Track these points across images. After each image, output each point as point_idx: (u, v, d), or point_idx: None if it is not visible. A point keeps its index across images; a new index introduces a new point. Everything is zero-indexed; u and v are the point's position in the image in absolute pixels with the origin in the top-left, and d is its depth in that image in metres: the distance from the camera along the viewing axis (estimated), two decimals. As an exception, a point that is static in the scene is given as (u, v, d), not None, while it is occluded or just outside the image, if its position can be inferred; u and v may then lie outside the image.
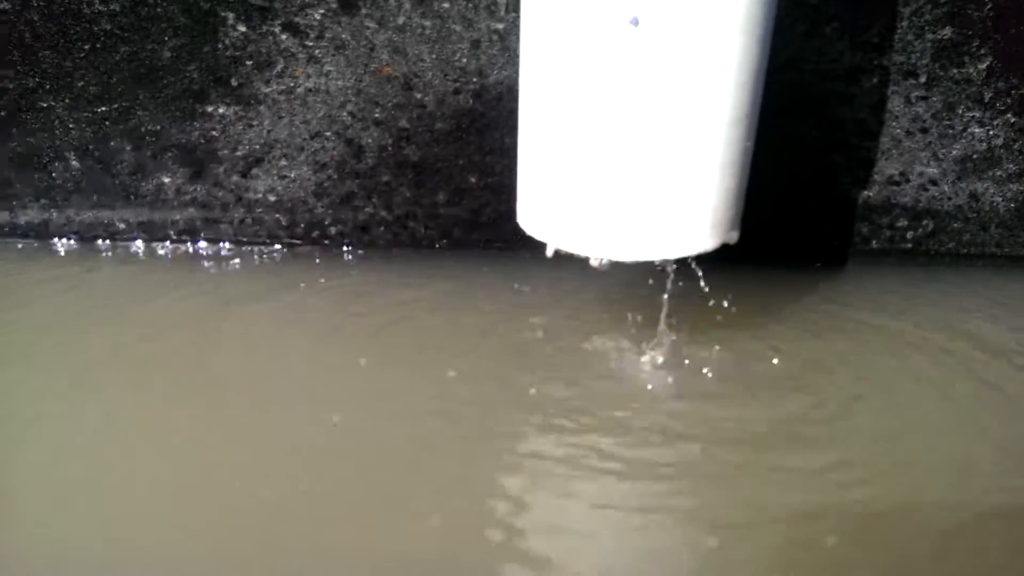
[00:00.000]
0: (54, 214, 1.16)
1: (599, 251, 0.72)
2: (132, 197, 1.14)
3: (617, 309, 1.00)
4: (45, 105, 1.07)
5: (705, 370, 0.89)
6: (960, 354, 0.93)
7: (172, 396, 0.87)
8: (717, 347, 0.93)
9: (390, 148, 1.08)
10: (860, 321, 1.00)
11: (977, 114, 1.01)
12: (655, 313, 0.92)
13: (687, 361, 0.90)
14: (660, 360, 0.90)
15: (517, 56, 0.97)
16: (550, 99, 0.70)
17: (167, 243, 1.17)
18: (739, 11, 0.63)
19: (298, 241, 1.16)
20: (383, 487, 0.74)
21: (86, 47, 1.02)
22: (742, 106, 0.68)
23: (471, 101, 1.03)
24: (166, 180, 1.12)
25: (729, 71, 0.65)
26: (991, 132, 1.02)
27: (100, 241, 1.17)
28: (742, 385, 0.87)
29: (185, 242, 1.17)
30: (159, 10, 0.99)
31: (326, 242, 1.15)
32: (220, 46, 1.01)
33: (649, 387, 0.87)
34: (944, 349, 0.94)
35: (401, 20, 0.98)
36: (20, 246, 1.18)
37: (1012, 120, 1.01)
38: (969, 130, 1.02)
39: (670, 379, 0.89)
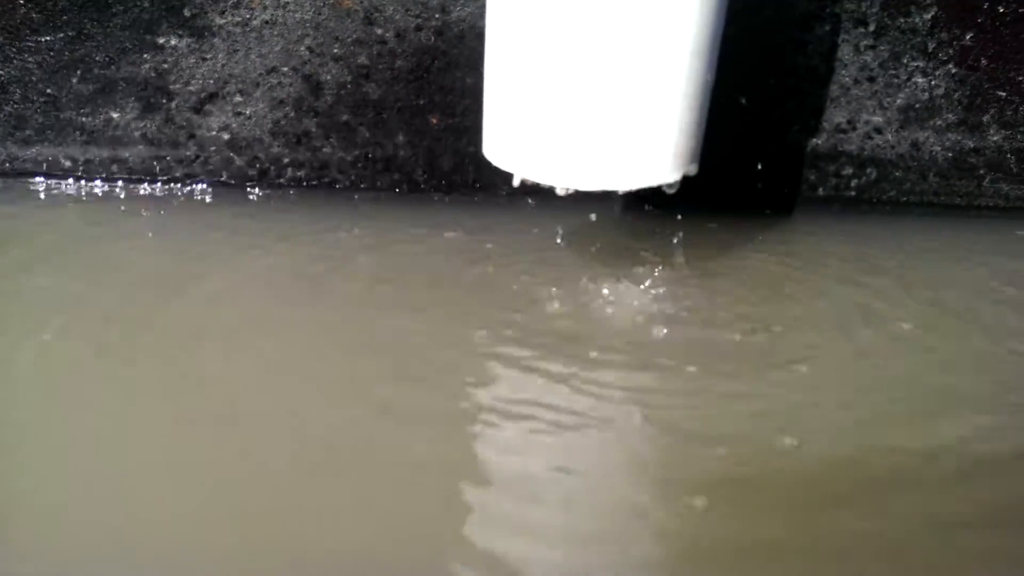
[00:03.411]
0: (-7, 149, 1.12)
1: (565, 181, 0.73)
2: (79, 133, 1.10)
3: (573, 250, 1.02)
4: (-16, 32, 1.02)
5: (666, 303, 0.92)
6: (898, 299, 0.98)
7: (127, 346, 0.84)
8: (679, 287, 0.95)
9: (349, 85, 1.06)
10: (809, 267, 1.04)
11: (921, 64, 1.05)
12: (610, 254, 0.95)
13: (643, 297, 0.93)
14: (618, 295, 0.93)
15: (480, -7, 0.97)
16: (515, 31, 0.71)
17: (117, 182, 1.14)
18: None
19: (252, 182, 1.14)
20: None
21: (29, -30, 0.98)
22: (703, 37, 0.69)
23: (433, 38, 1.03)
24: (115, 115, 1.09)
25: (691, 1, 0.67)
26: (933, 82, 1.06)
27: (45, 179, 1.14)
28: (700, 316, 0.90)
29: (135, 181, 1.14)
30: (108, -68, 0.95)
31: (281, 182, 1.14)
32: (173, -27, 0.98)
33: (607, 317, 0.89)
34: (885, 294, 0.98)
35: (362, -49, 0.96)
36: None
37: (953, 71, 1.05)
38: (913, 79, 1.06)
39: (627, 314, 0.91)
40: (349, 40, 1.03)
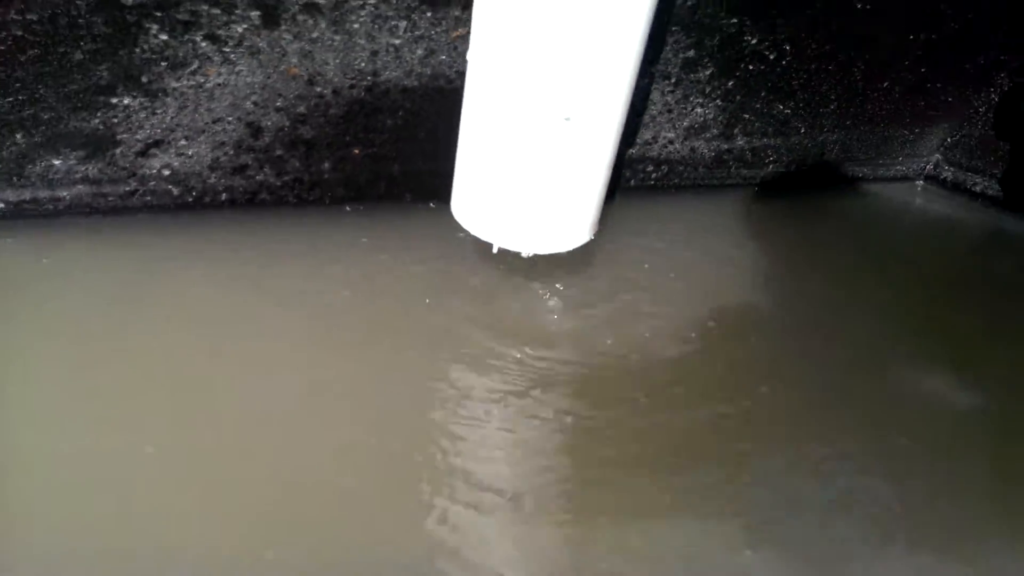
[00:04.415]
0: (-83, 198, 1.14)
1: (531, 247, 1.07)
2: (15, 179, 1.16)
3: (454, 257, 1.35)
4: (-74, 99, 1.04)
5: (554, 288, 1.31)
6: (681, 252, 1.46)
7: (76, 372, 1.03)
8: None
9: (287, 128, 1.25)
10: (637, 242, 1.48)
11: (701, 100, 1.50)
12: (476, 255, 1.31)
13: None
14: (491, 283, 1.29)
15: (406, 62, 1.22)
16: (494, 150, 1.01)
17: (53, 218, 1.22)
18: (627, 97, 1.00)
19: (187, 208, 1.29)
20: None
21: (-11, 48, 1.02)
22: (617, 151, 1.06)
23: (363, 93, 1.25)
24: (56, 162, 1.17)
25: (617, 135, 1.03)
26: (706, 111, 1.53)
27: (-25, 221, 1.18)
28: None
29: (71, 214, 1.23)
30: (80, 20, 1.03)
31: (216, 207, 1.30)
32: (138, 50, 1.08)
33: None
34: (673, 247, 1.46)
35: (315, 35, 1.14)
36: None
37: (720, 104, 1.52)
38: (695, 110, 1.51)
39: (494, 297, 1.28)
40: (292, 96, 1.21)
